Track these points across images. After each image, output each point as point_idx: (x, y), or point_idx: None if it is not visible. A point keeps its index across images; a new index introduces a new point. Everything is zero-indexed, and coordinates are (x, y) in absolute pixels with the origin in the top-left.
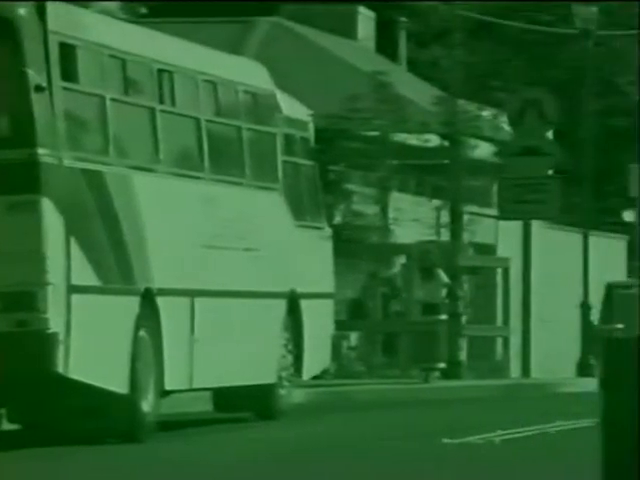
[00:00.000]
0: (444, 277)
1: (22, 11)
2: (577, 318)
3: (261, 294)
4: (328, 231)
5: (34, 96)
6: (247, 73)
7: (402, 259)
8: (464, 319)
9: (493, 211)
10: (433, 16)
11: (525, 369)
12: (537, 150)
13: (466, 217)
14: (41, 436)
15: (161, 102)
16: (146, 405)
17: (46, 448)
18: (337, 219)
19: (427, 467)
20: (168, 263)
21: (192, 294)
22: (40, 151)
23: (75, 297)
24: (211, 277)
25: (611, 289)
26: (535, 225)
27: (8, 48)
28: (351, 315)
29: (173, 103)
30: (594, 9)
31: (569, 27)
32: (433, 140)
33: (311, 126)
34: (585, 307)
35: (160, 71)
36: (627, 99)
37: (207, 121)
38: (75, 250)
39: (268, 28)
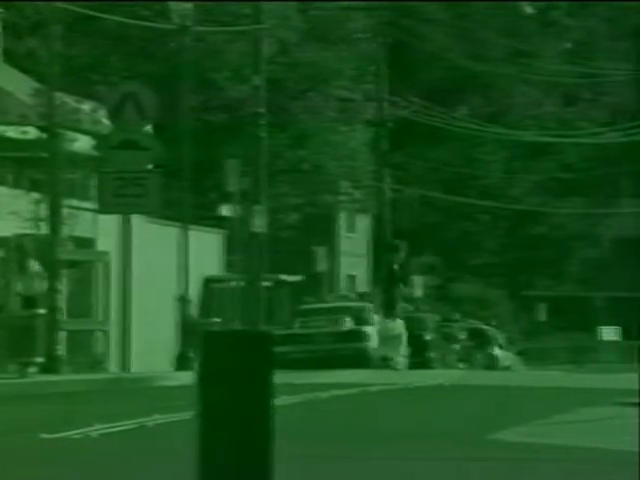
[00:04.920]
0: (39, 270)
1: None
2: (174, 311)
3: None
4: None
5: None
6: None
7: None
8: (62, 313)
9: (93, 205)
10: (29, 7)
11: (125, 362)
12: (136, 144)
13: (65, 210)
14: None
15: None
16: None
17: None
18: None
19: (26, 463)
20: None
21: None
22: None
23: None
24: None
25: (208, 283)
26: (135, 219)
27: None
28: None
29: None
30: (190, 5)
31: (167, 22)
32: (31, 132)
33: None
34: (183, 300)
35: None
36: (224, 95)
37: None
38: None
39: None
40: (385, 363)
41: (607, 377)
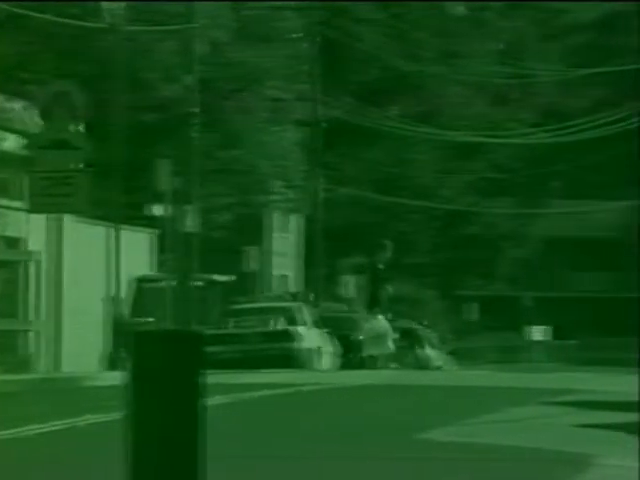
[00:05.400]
0: None
1: None
2: (108, 311)
3: None
4: None
5: None
6: None
7: None
8: None
9: (23, 204)
10: None
11: (56, 362)
12: (66, 143)
13: None
14: None
15: None
16: None
17: None
18: None
19: None
20: None
21: None
22: None
23: None
24: None
25: (140, 282)
26: (66, 218)
27: None
28: None
29: None
30: (122, 4)
31: (98, 21)
32: None
33: None
34: (115, 300)
35: None
36: (156, 94)
37: None
38: None
39: None
40: (374, 363)
41: (536, 376)
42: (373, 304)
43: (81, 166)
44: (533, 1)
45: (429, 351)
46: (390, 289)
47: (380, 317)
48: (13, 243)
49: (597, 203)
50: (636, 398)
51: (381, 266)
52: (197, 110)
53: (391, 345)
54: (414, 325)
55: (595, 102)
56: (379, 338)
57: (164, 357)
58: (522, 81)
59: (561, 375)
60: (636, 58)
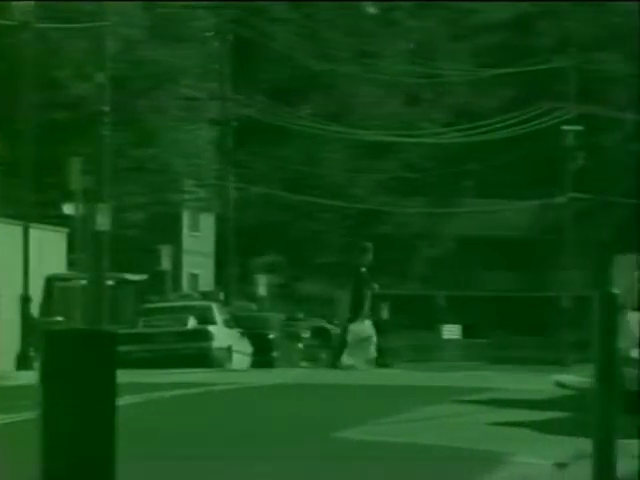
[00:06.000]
0: None
1: None
2: (17, 310)
3: None
4: None
5: None
6: None
7: None
8: None
9: None
10: None
11: None
12: None
13: None
14: None
15: None
16: None
17: None
18: None
19: None
20: None
21: None
22: None
23: None
24: None
25: (51, 282)
26: None
27: None
28: None
29: None
30: (31, 2)
31: (8, 19)
32: None
33: None
34: (25, 299)
35: None
36: (67, 92)
37: None
38: None
39: None
40: (353, 367)
41: (449, 375)
42: (357, 308)
43: None
44: (443, 1)
45: None
46: (375, 288)
47: (367, 322)
48: None
49: (508, 203)
50: (546, 396)
51: (364, 269)
52: (109, 108)
53: (373, 350)
54: (326, 324)
55: (505, 102)
56: (362, 342)
57: (75, 356)
58: (433, 81)
59: (474, 374)
60: (546, 58)
